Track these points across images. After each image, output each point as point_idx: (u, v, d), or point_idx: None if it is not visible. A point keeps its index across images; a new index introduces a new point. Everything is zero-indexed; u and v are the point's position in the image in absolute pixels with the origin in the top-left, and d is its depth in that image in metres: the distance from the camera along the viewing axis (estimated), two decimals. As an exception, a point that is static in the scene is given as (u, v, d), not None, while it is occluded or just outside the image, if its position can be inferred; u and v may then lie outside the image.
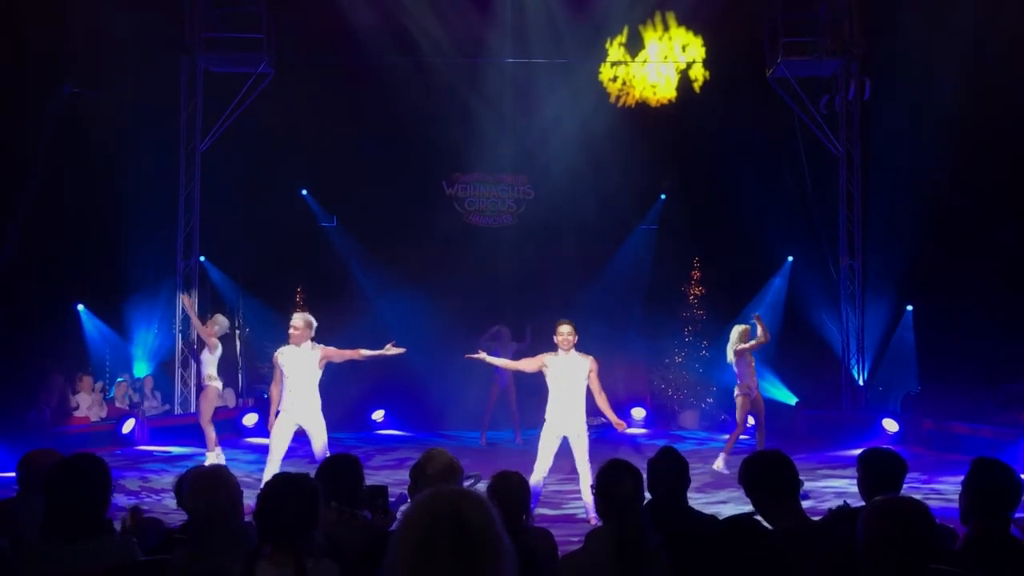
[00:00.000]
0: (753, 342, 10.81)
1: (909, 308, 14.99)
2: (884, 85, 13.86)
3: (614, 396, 15.31)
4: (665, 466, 4.31)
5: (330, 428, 14.31)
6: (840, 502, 4.50)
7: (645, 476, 4.40)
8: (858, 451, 11.43)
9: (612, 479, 3.85)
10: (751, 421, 11.89)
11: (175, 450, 12.70)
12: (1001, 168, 12.92)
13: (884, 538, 2.73)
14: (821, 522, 3.90)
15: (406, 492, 4.38)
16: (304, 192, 16.21)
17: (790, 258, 15.75)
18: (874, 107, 14.13)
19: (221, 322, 11.49)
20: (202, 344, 11.59)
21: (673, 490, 4.28)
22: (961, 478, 4.28)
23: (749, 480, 3.71)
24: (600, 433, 14.99)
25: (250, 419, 14.28)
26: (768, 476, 3.64)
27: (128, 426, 12.92)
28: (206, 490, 3.59)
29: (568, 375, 8.37)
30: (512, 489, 3.97)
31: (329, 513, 3.92)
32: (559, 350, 8.49)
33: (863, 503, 4.40)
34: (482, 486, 4.54)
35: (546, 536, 4.17)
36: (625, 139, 14.69)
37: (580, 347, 15.45)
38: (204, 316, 14.45)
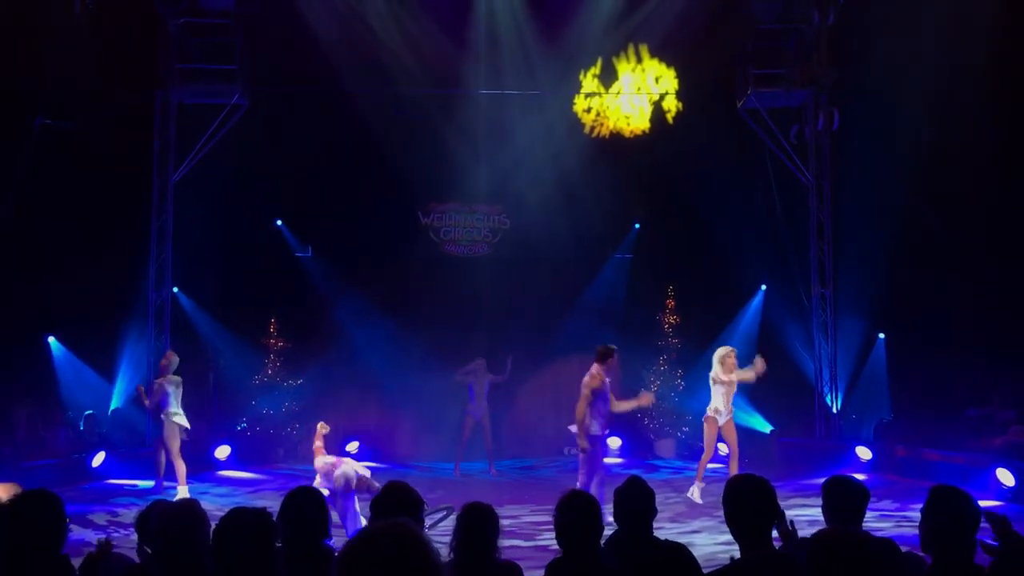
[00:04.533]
0: (747, 374, 10.69)
1: (881, 336, 15.12)
2: (853, 115, 14.04)
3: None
4: (632, 496, 4.32)
5: (305, 460, 14.29)
6: (813, 531, 4.51)
7: (612, 505, 4.43)
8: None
9: (566, 511, 3.87)
10: (723, 449, 11.86)
11: (144, 484, 12.53)
12: (969, 197, 13.12)
13: (826, 572, 2.74)
14: (786, 550, 3.91)
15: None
16: (279, 222, 16.18)
17: (764, 287, 15.87)
18: (843, 137, 14.32)
19: (172, 359, 11.70)
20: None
21: (639, 520, 4.28)
22: None
23: (733, 503, 3.68)
24: (575, 463, 14.98)
25: (222, 452, 14.15)
26: (753, 501, 3.63)
27: (98, 459, 12.76)
28: (177, 526, 3.55)
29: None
30: (481, 522, 3.96)
31: (293, 547, 3.89)
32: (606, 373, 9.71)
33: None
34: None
35: (514, 570, 4.14)
36: (599, 169, 14.80)
37: (554, 375, 15.55)
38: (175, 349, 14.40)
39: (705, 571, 3.77)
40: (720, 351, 10.82)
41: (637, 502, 4.29)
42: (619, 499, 4.33)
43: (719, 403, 10.61)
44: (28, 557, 3.43)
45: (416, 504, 3.98)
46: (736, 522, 3.62)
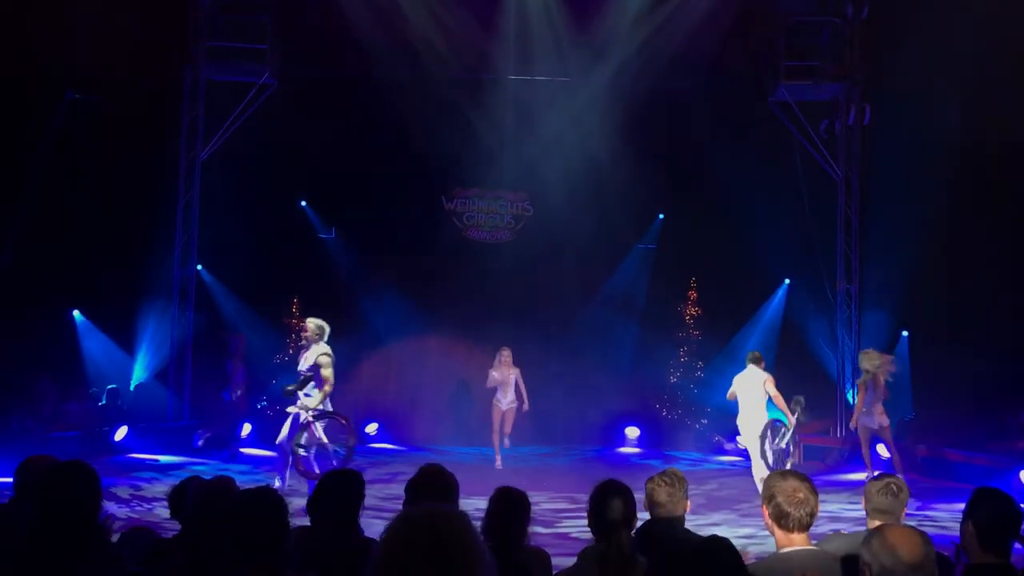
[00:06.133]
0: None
1: (904, 334, 14.99)
2: (885, 111, 13.91)
3: (608, 415, 15.46)
4: (664, 487, 4.28)
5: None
6: (832, 527, 4.49)
7: (642, 495, 4.40)
8: (851, 475, 11.48)
9: (602, 500, 3.85)
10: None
11: (165, 459, 12.64)
12: (1000, 196, 12.97)
13: (885, 566, 2.71)
14: (820, 546, 3.88)
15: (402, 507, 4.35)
16: (303, 203, 16.19)
17: (787, 281, 15.76)
18: (874, 133, 14.19)
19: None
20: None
21: (671, 512, 4.25)
22: (956, 505, 4.30)
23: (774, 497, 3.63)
24: (597, 452, 14.99)
25: (244, 429, 14.21)
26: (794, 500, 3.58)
27: (120, 433, 12.85)
28: (214, 503, 3.55)
29: (749, 390, 10.61)
30: (513, 507, 3.94)
31: (325, 529, 3.89)
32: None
33: (862, 528, 4.40)
34: (477, 502, 4.50)
35: (543, 557, 4.14)
36: (624, 158, 14.70)
37: (575, 363, 15.49)
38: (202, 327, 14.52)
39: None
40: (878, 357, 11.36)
41: (668, 494, 4.25)
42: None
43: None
44: (64, 529, 3.43)
45: (452, 487, 3.95)
46: (776, 517, 3.58)
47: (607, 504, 3.77)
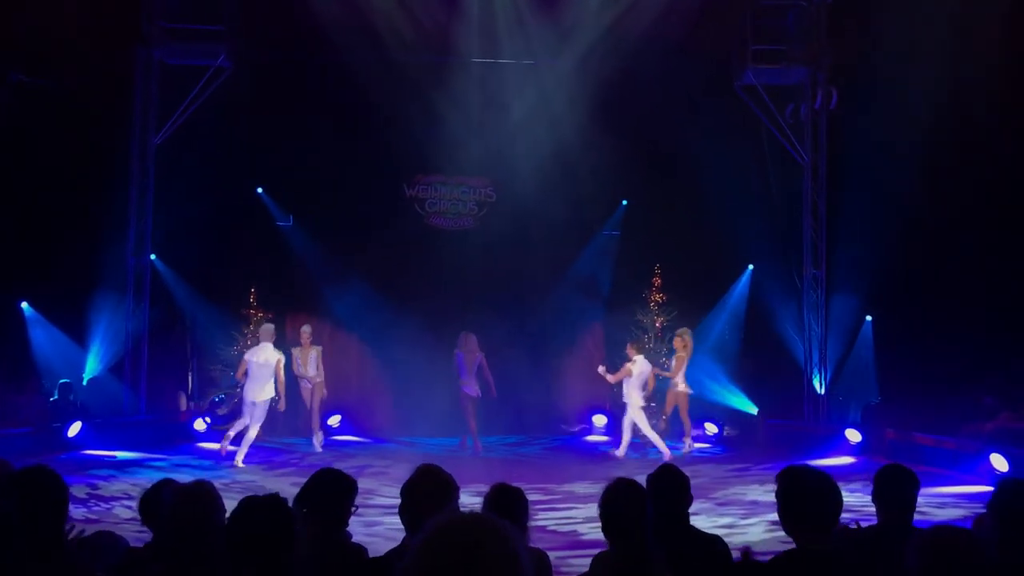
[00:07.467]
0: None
1: (868, 318, 15.03)
2: (853, 95, 13.87)
3: (576, 403, 15.33)
4: (666, 483, 4.09)
5: (286, 433, 14.01)
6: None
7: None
8: (821, 461, 11.45)
9: (617, 500, 3.62)
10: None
11: (122, 455, 12.22)
12: (967, 181, 13.02)
13: (938, 570, 2.54)
14: (837, 545, 3.71)
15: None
16: (260, 190, 15.75)
17: (751, 266, 15.71)
18: (841, 117, 14.15)
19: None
20: None
21: (675, 508, 4.05)
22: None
23: (795, 495, 3.43)
24: (565, 441, 14.87)
25: (202, 424, 13.82)
26: (817, 494, 3.39)
27: (74, 429, 12.39)
28: (191, 508, 3.28)
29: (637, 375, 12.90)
30: (511, 504, 3.72)
31: (314, 529, 3.64)
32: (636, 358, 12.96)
33: (874, 521, 4.26)
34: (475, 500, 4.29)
35: (541, 558, 3.92)
36: (588, 144, 14.50)
37: (541, 351, 15.36)
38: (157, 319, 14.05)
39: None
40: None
41: (671, 489, 4.05)
42: (652, 486, 4.09)
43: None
44: (27, 541, 3.15)
45: (452, 489, 3.69)
46: (795, 516, 3.38)
47: (621, 505, 3.53)
